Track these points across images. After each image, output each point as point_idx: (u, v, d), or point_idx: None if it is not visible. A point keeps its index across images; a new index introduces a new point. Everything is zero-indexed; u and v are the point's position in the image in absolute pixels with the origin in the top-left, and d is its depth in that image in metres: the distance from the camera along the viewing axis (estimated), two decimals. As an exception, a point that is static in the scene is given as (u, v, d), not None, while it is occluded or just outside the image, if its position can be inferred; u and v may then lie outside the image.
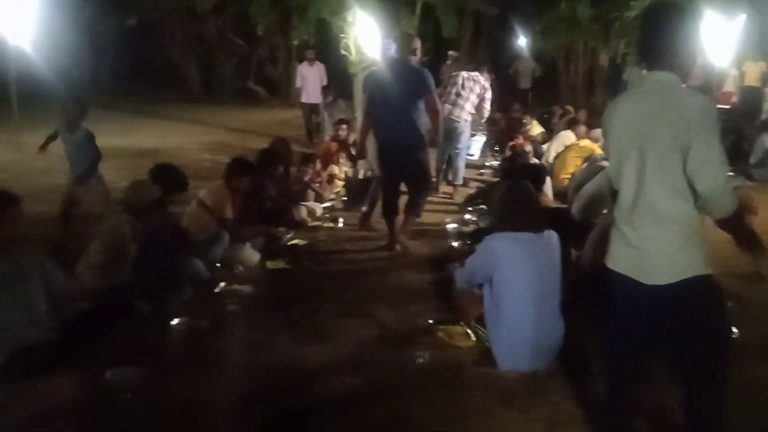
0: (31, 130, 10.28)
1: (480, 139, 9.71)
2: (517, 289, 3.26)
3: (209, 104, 17.81)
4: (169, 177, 4.65)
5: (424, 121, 5.31)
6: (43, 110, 12.83)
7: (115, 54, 19.43)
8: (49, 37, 11.03)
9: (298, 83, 11.76)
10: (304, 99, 11.59)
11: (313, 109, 11.48)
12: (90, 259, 3.98)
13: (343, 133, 7.91)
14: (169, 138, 11.62)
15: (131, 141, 11.02)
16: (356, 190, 6.74)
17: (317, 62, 11.69)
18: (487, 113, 8.03)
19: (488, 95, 7.65)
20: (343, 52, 11.38)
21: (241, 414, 2.96)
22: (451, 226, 6.13)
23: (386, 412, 3.02)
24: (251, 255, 5.07)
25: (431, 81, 5.27)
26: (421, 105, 5.24)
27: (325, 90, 11.14)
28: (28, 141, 9.62)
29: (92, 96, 16.88)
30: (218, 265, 4.76)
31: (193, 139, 11.69)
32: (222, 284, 4.49)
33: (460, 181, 7.82)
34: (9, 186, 7.27)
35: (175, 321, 3.85)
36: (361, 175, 7.26)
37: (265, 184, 5.73)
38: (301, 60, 12.04)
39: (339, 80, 12.06)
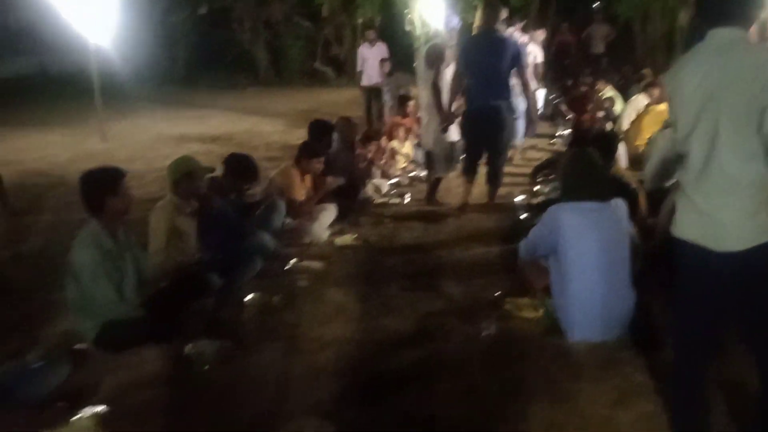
0: (113, 121, 10.90)
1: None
2: (583, 259, 3.20)
3: (278, 87, 18.16)
4: (241, 167, 4.76)
5: (510, 91, 5.61)
6: (123, 102, 13.57)
7: (188, 44, 20.05)
8: (126, 32, 11.49)
9: (359, 66, 10.90)
10: (365, 82, 10.72)
11: (373, 91, 10.58)
12: (152, 246, 4.12)
13: (409, 109, 7.89)
14: (241, 122, 11.96)
15: (205, 127, 11.42)
16: (443, 156, 6.35)
17: (378, 42, 10.87)
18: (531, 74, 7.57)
19: (526, 53, 7.24)
20: (407, 27, 11.33)
21: (313, 385, 3.06)
22: (519, 198, 6.04)
23: (452, 383, 3.05)
24: (321, 232, 5.19)
25: (524, 53, 5.61)
26: (510, 75, 5.52)
27: (383, 62, 10.26)
28: (111, 131, 10.19)
29: (168, 86, 17.65)
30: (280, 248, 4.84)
31: (263, 122, 11.98)
32: (292, 261, 4.63)
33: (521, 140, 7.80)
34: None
35: (248, 297, 4.02)
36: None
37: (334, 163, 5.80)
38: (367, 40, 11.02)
39: (403, 57, 12.02)
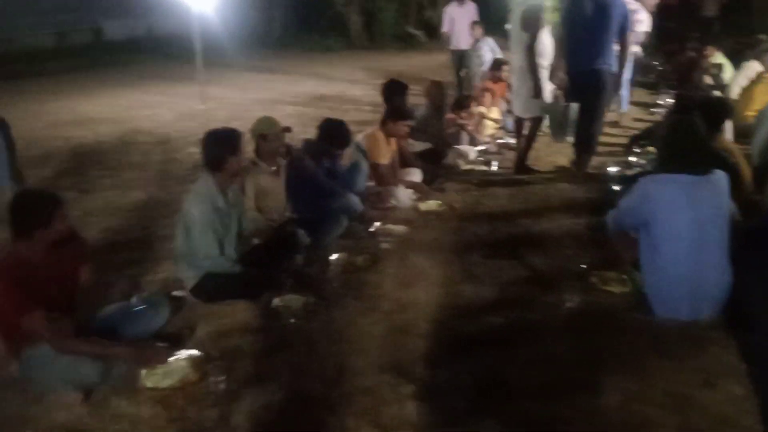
0: (213, 83, 11.34)
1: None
2: (675, 233, 3.06)
3: (370, 51, 18.21)
4: (334, 132, 4.80)
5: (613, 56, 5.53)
6: (222, 65, 14.06)
7: (284, 7, 20.40)
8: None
9: (446, 27, 10.10)
10: (453, 44, 10.00)
11: (462, 55, 9.91)
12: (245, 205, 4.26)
13: (503, 74, 7.69)
14: (333, 86, 12.13)
15: (299, 88, 11.67)
16: (561, 119, 6.11)
17: (468, 2, 10.02)
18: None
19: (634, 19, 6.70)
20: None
21: (391, 344, 3.15)
22: (612, 169, 5.81)
23: (531, 350, 3.05)
24: (405, 196, 5.23)
25: (630, 17, 5.59)
26: (613, 39, 5.46)
27: (474, 25, 9.61)
28: (210, 93, 10.62)
29: (264, 49, 18.09)
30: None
31: (355, 85, 12.09)
32: (377, 224, 4.71)
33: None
34: (197, 132, 8.12)
35: (334, 256, 4.15)
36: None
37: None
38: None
39: (495, 19, 11.69)
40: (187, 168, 6.58)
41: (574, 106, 5.77)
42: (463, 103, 6.98)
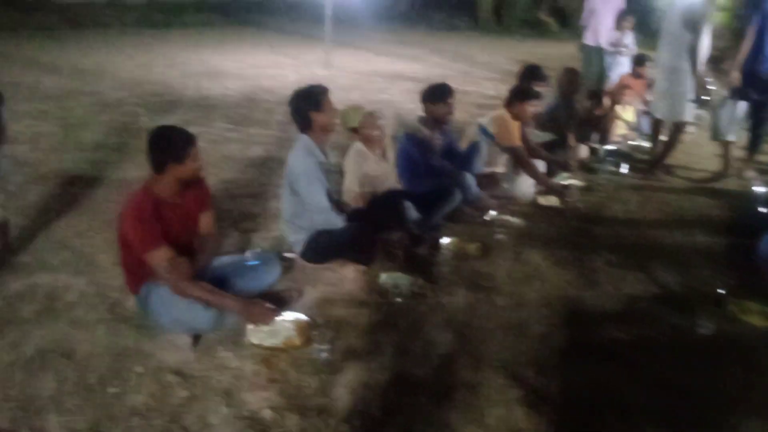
0: (338, 50, 11.41)
1: None
2: None
3: (497, 34, 17.71)
4: (435, 90, 4.51)
5: None
6: (349, 33, 14.15)
7: (414, -19, 20.27)
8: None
9: (585, 19, 8.56)
10: (589, 40, 8.42)
11: (598, 54, 8.34)
12: (346, 184, 4.10)
13: (645, 71, 7.15)
14: (455, 66, 11.88)
15: (420, 67, 11.51)
16: (729, 117, 5.70)
17: None
18: None
19: None
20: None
21: (502, 342, 2.97)
22: (762, 189, 5.26)
23: (655, 373, 2.78)
24: (526, 188, 4.98)
25: None
26: None
27: (621, 19, 8.42)
28: (334, 59, 10.69)
29: (391, 23, 18.04)
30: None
31: (477, 67, 11.79)
32: (492, 213, 4.50)
33: None
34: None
35: (445, 240, 4.00)
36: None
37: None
38: None
39: (642, 13, 10.97)
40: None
41: (742, 104, 5.49)
42: (596, 96, 6.54)
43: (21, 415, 2.29)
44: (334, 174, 3.65)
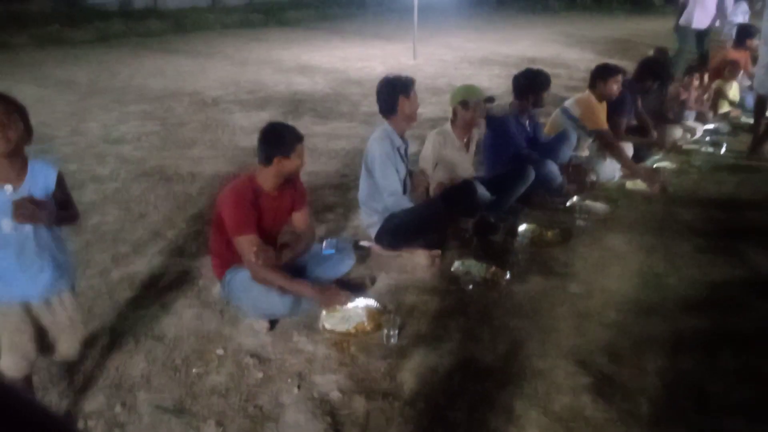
0: (426, 38, 11.43)
1: None
2: None
3: (595, 12, 17.00)
4: (532, 80, 4.48)
5: None
6: (438, 21, 14.10)
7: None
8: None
9: None
10: (687, 21, 7.51)
11: (698, 37, 7.46)
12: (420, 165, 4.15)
13: (752, 43, 6.65)
14: (547, 47, 11.55)
15: (510, 50, 11.29)
16: None
17: None
18: None
19: None
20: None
21: (574, 329, 2.92)
22: None
23: (738, 362, 2.64)
24: (612, 171, 4.80)
25: None
26: None
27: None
28: (422, 49, 10.71)
29: (482, 7, 17.76)
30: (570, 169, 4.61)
31: (571, 48, 11.39)
32: (575, 198, 4.39)
33: None
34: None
35: (523, 227, 3.95)
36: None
37: (632, 97, 5.19)
38: None
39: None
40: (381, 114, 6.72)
41: None
42: (691, 74, 6.15)
43: (114, 392, 2.53)
44: (407, 160, 3.71)
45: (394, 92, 3.53)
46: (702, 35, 7.41)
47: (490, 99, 4.11)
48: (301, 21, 15.96)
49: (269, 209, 2.98)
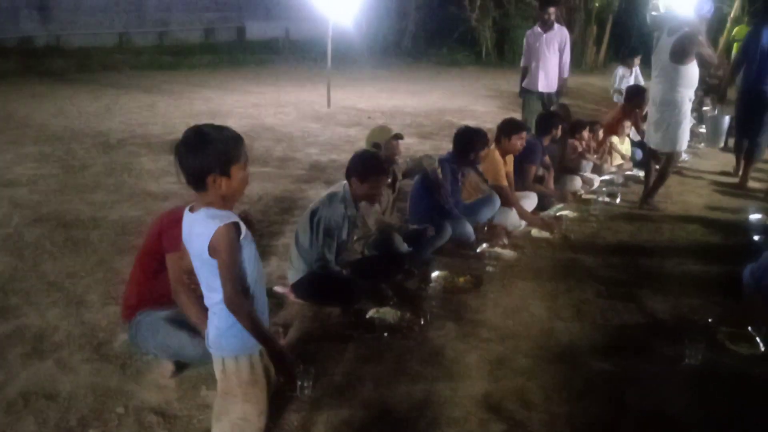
0: (340, 87, 11.59)
1: None
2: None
3: (499, 68, 17.88)
4: (473, 137, 4.69)
5: None
6: (351, 71, 14.38)
7: (417, 18, 20.56)
8: (362, 4, 12.00)
9: (523, 60, 7.27)
10: (530, 84, 7.20)
11: (541, 101, 7.15)
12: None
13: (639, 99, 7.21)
14: (455, 100, 12.00)
15: (421, 101, 11.65)
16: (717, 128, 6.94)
17: (557, 26, 7.16)
18: None
19: None
20: (652, 12, 10.36)
21: (486, 376, 2.96)
22: (755, 216, 5.26)
23: (643, 405, 2.76)
24: (518, 220, 5.01)
25: None
26: None
27: (627, 55, 8.82)
28: (336, 98, 10.86)
29: (393, 58, 18.33)
30: (486, 229, 4.78)
31: (478, 101, 11.90)
32: (484, 245, 4.53)
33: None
34: (318, 134, 8.30)
35: (435, 273, 4.02)
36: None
37: (536, 152, 5.51)
38: (543, 21, 7.16)
39: (640, 45, 11.10)
40: (304, 167, 6.72)
41: (727, 117, 7.39)
42: (584, 128, 6.57)
43: (0, 457, 2.31)
44: (357, 223, 3.75)
45: (352, 174, 3.56)
46: (548, 97, 7.24)
47: (398, 136, 4.35)
48: (214, 65, 15.79)
49: None
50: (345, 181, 3.64)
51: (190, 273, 2.58)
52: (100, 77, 12.75)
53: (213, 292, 2.06)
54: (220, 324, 2.07)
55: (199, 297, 2.54)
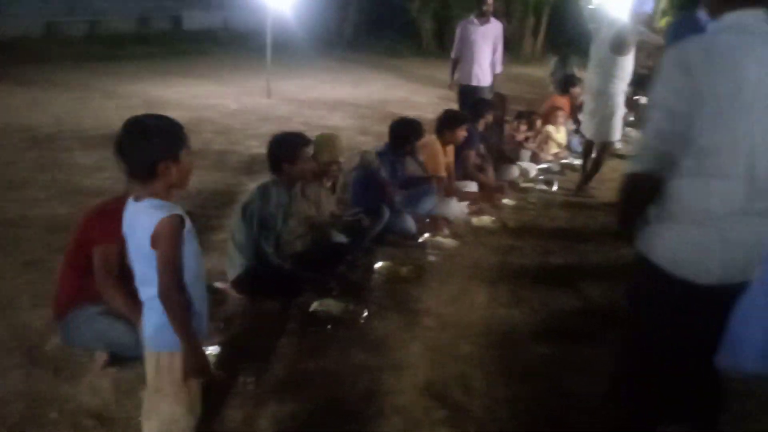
0: (280, 78, 11.45)
1: None
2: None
3: (440, 58, 17.99)
4: (409, 128, 4.76)
5: None
6: (292, 61, 14.21)
7: (358, 8, 20.50)
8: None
9: (455, 52, 7.14)
10: (463, 78, 7.05)
11: (472, 94, 6.80)
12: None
13: (575, 90, 7.42)
14: (397, 91, 12.06)
15: (362, 91, 11.64)
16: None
17: (494, 19, 7.07)
18: None
19: None
20: (589, 6, 10.61)
21: (428, 364, 3.01)
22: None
23: (580, 387, 2.84)
24: (459, 209, 5.08)
25: None
26: None
27: (559, 50, 9.40)
28: (276, 88, 10.72)
29: (334, 49, 18.22)
30: (427, 220, 4.83)
31: (419, 92, 11.98)
32: (426, 235, 4.58)
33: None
34: (259, 125, 8.17)
35: (378, 264, 4.04)
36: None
37: (473, 138, 5.60)
38: (481, 13, 7.01)
39: (577, 36, 11.37)
40: (244, 160, 6.62)
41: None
42: (523, 118, 6.74)
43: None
44: (285, 214, 3.66)
45: (277, 156, 3.51)
46: (481, 91, 6.99)
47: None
48: (150, 56, 15.30)
49: None
50: (271, 175, 3.58)
51: (122, 267, 2.54)
52: (27, 69, 12.16)
53: (150, 286, 2.00)
54: (157, 319, 2.02)
55: (130, 291, 2.47)
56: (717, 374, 1.97)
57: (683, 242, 1.81)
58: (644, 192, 1.84)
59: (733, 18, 1.77)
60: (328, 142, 4.08)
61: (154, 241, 1.94)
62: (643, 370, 2.03)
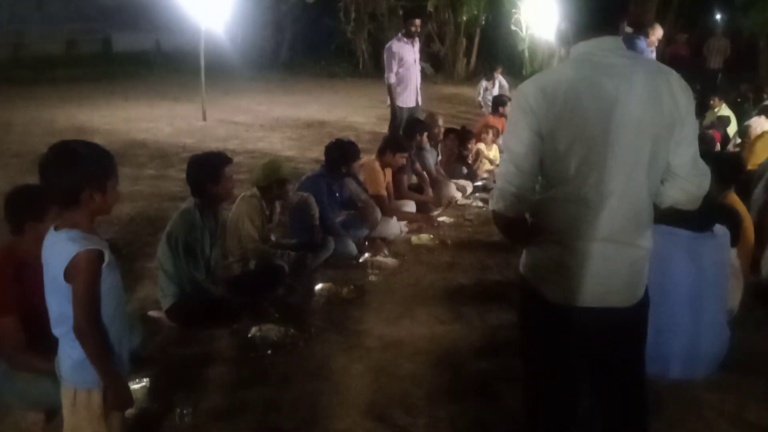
0: (215, 100, 11.31)
1: None
2: (672, 290, 2.92)
3: (376, 79, 18.19)
4: (344, 150, 4.79)
5: None
6: (227, 83, 14.07)
7: (294, 30, 20.53)
8: (237, 15, 11.79)
9: (393, 75, 6.92)
10: (406, 101, 7.03)
11: (413, 116, 6.86)
12: (238, 232, 4.09)
13: (504, 110, 7.64)
14: (335, 111, 12.09)
15: (300, 112, 11.62)
16: None
17: (417, 39, 7.13)
18: None
19: None
20: (513, 27, 10.97)
21: (370, 385, 3.00)
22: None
23: (518, 399, 2.89)
24: (398, 228, 5.12)
25: None
26: None
27: (489, 69, 9.67)
28: (211, 110, 10.57)
29: (270, 71, 18.16)
30: (366, 243, 4.85)
31: (357, 112, 12.05)
32: (366, 255, 4.59)
33: None
34: (194, 149, 8.03)
35: (319, 286, 4.02)
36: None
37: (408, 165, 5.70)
38: (408, 34, 6.99)
39: (507, 57, 11.75)
40: (180, 184, 6.46)
41: None
42: (456, 136, 6.86)
43: None
44: (212, 238, 3.59)
45: (199, 177, 3.44)
46: (411, 111, 7.06)
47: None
48: (79, 79, 14.82)
49: (40, 282, 2.64)
50: (191, 199, 3.51)
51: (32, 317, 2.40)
52: (-55, 93, 11.58)
53: (65, 320, 1.93)
54: (75, 354, 1.94)
55: (45, 343, 2.33)
56: (624, 389, 2.02)
57: (541, 261, 1.87)
58: (505, 225, 1.86)
59: (580, 48, 1.76)
60: (273, 166, 4.11)
61: (68, 275, 1.88)
62: (534, 390, 2.10)
